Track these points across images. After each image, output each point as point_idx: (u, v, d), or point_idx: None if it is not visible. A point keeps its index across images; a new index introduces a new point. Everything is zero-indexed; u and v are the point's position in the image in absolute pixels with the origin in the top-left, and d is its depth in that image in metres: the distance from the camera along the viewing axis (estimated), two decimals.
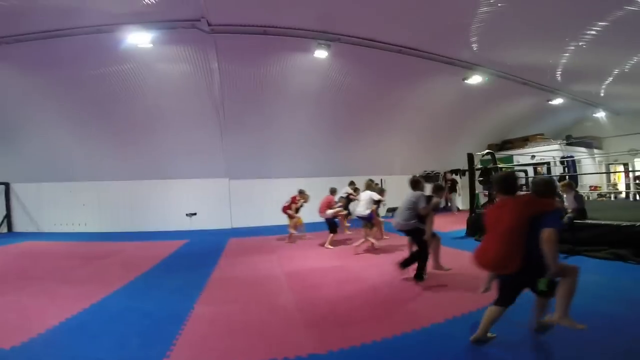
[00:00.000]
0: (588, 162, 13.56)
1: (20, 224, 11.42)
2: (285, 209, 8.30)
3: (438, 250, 4.82)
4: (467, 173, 9.62)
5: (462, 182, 14.15)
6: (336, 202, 7.83)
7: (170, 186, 11.34)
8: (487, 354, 2.51)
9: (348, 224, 9.10)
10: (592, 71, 9.75)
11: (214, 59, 8.23)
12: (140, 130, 10.18)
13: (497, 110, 13.35)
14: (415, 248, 4.63)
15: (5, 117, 9.74)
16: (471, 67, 9.64)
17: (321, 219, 7.75)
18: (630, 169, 14.11)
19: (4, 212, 11.28)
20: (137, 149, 10.60)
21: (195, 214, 11.32)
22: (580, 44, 7.57)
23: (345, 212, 8.44)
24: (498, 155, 11.58)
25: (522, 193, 3.62)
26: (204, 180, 11.42)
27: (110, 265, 6.08)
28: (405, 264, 4.53)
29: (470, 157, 8.83)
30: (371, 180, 7.48)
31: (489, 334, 2.63)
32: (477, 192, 9.23)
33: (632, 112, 13.65)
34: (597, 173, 14.13)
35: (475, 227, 7.79)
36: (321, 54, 8.23)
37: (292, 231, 8.17)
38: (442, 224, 9.66)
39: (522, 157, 13.41)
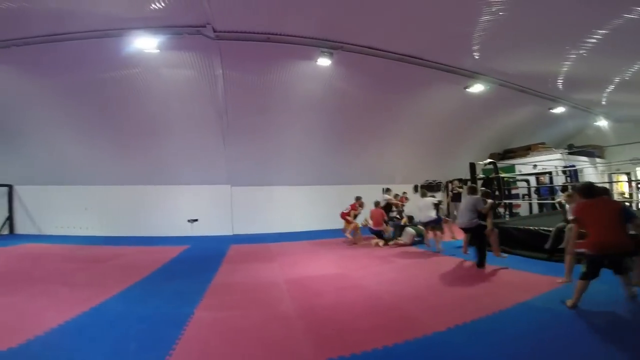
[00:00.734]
0: (590, 172, 13.51)
1: (22, 226, 11.45)
2: (344, 215, 9.15)
3: (497, 241, 6.00)
4: (469, 182, 9.61)
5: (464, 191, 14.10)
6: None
7: (172, 192, 11.37)
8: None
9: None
10: (593, 79, 9.78)
11: (219, 66, 8.30)
12: (144, 136, 10.23)
13: (498, 118, 13.36)
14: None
15: (10, 120, 9.82)
16: (473, 75, 9.68)
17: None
18: (633, 178, 14.05)
19: (6, 214, 11.32)
20: (140, 154, 10.65)
21: (196, 220, 11.33)
22: (580, 52, 7.61)
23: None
24: (500, 164, 11.58)
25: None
26: (206, 186, 11.46)
27: (110, 269, 6.08)
28: (479, 263, 5.54)
29: (472, 167, 8.84)
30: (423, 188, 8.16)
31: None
32: None
33: (634, 120, 13.61)
34: (599, 183, 14.06)
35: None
36: (324, 61, 8.29)
37: (348, 235, 8.86)
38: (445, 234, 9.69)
39: (524, 166, 13.40)
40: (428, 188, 14.06)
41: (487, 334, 2.95)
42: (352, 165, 12.55)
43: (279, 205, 12.00)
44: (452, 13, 6.45)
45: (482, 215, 5.73)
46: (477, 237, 5.74)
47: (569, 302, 3.49)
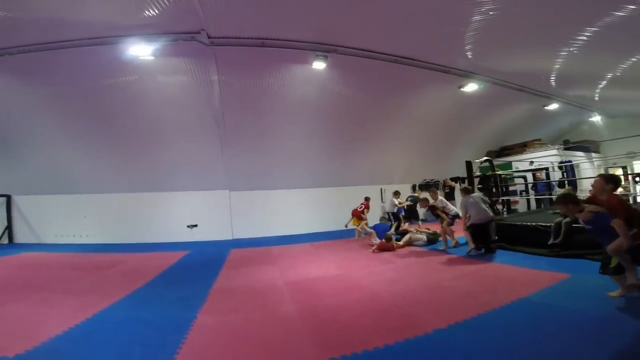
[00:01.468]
0: (586, 167, 13.62)
1: (21, 236, 11.45)
2: (358, 213, 9.68)
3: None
4: (466, 180, 9.69)
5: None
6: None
7: (171, 198, 11.40)
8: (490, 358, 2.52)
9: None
10: (585, 76, 9.89)
11: (214, 71, 8.34)
12: (141, 142, 10.24)
13: (494, 117, 13.44)
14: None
15: (7, 130, 9.84)
16: (467, 75, 9.76)
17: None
18: (629, 171, 14.16)
19: (5, 224, 11.31)
20: (138, 161, 10.67)
21: (196, 225, 11.34)
22: (571, 49, 7.70)
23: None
24: (496, 162, 11.66)
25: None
26: (204, 192, 11.49)
27: (112, 275, 6.09)
28: (490, 249, 6.27)
29: (469, 165, 8.91)
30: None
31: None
32: None
33: (627, 115, 13.77)
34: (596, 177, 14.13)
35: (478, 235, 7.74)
36: (319, 65, 8.34)
37: (367, 228, 9.27)
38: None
39: (521, 163, 13.49)
40: (426, 187, 14.16)
41: (487, 330, 3.00)
42: (350, 166, 12.60)
43: (278, 208, 12.02)
44: (443, 14, 6.52)
45: None
46: (486, 230, 6.38)
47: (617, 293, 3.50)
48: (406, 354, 2.63)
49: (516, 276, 4.76)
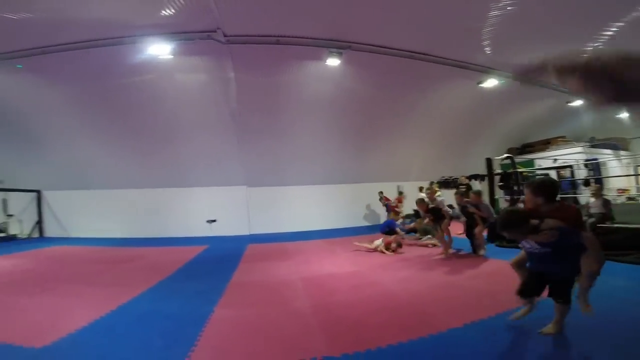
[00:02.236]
0: (614, 165, 13.05)
1: (51, 230, 12.00)
2: (393, 208, 9.78)
3: None
4: (486, 178, 9.47)
5: (482, 187, 13.88)
6: None
7: (191, 194, 11.69)
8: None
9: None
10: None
11: (230, 69, 8.49)
12: (162, 140, 10.57)
13: (514, 113, 13.09)
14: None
15: (36, 128, 10.34)
16: (485, 70, 9.57)
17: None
18: None
19: (36, 218, 11.87)
20: (159, 158, 11.01)
21: (215, 220, 11.58)
22: (596, 44, 7.39)
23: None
24: (518, 159, 11.33)
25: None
26: (223, 188, 11.72)
27: (135, 269, 6.31)
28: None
29: (489, 162, 8.68)
30: None
31: None
32: (497, 197, 9.03)
33: None
34: (624, 175, 13.56)
35: (496, 233, 7.57)
36: (333, 61, 8.36)
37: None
38: (461, 230, 9.57)
39: (544, 160, 13.06)
40: (444, 184, 13.94)
41: (504, 330, 2.95)
42: (366, 163, 12.55)
43: (294, 204, 12.13)
44: (459, 9, 6.43)
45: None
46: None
47: None
48: (419, 352, 2.62)
49: None
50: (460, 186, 10.52)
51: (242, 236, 11.10)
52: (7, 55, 7.68)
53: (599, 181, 10.63)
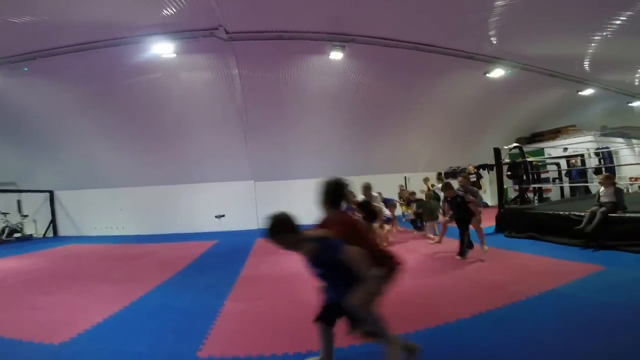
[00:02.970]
0: (627, 153, 12.77)
1: (64, 229, 12.27)
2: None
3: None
4: (494, 167, 9.35)
5: (490, 177, 13.75)
6: None
7: (199, 190, 11.81)
8: (509, 351, 2.49)
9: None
10: (624, 60, 9.30)
11: (234, 66, 8.51)
12: (169, 137, 10.68)
13: (523, 103, 12.88)
14: None
15: (47, 129, 10.52)
16: (492, 60, 9.44)
17: None
18: None
19: (50, 218, 12.13)
20: (167, 155, 11.13)
21: (223, 215, 11.68)
22: (605, 34, 7.22)
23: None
24: (527, 148, 11.18)
25: None
26: (230, 183, 11.80)
27: (146, 265, 6.45)
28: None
29: (497, 152, 8.56)
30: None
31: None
32: (505, 186, 8.94)
33: None
34: (637, 164, 13.27)
35: (505, 223, 7.53)
36: (336, 55, 8.33)
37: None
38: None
39: (554, 149, 12.84)
40: (452, 175, 13.85)
41: (512, 321, 2.95)
42: (372, 155, 12.52)
43: (301, 198, 12.09)
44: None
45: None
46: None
47: None
48: (426, 342, 2.61)
49: (545, 267, 4.62)
50: (470, 175, 10.39)
51: (251, 230, 11.19)
52: (13, 59, 7.81)
53: (611, 170, 10.43)
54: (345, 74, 9.52)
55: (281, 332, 3.02)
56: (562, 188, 12.09)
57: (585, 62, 9.49)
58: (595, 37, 7.61)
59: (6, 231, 11.21)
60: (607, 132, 13.17)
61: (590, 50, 8.46)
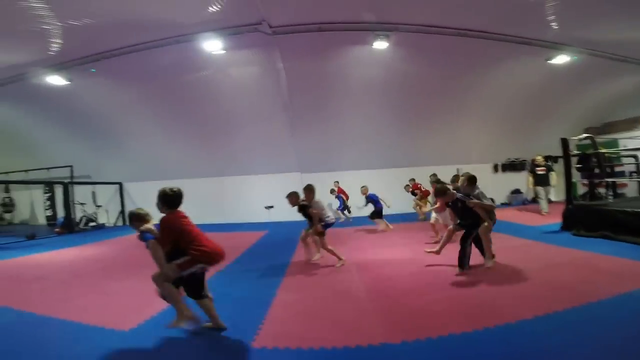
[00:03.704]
0: None
1: None
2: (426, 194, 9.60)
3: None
4: (559, 160, 8.56)
5: (557, 169, 12.65)
6: None
7: (249, 181, 12.34)
8: (574, 353, 2.29)
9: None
10: None
11: (279, 59, 8.70)
12: (221, 131, 11.27)
13: (591, 90, 11.67)
14: None
15: (113, 126, 11.62)
16: (554, 46, 8.67)
17: None
18: None
19: (120, 208, 13.38)
20: (220, 148, 11.78)
21: (272, 206, 12.02)
22: None
23: None
24: (599, 139, 10.04)
25: None
26: (278, 174, 12.10)
27: None
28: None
29: (565, 143, 7.76)
30: None
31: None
32: (574, 180, 8.12)
33: None
34: None
35: (573, 221, 6.86)
36: (381, 44, 8.16)
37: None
38: (531, 218, 8.91)
39: (631, 140, 11.41)
40: (510, 167, 12.96)
41: (580, 323, 2.70)
42: (421, 146, 12.12)
43: (348, 189, 12.13)
44: None
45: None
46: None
47: None
48: (485, 342, 2.51)
49: (619, 269, 4.15)
50: (537, 168, 9.55)
51: (299, 222, 11.38)
52: (79, 61, 8.64)
53: None
54: (391, 63, 9.30)
55: (330, 324, 3.04)
56: None
57: None
58: None
59: (84, 220, 12.54)
60: None
61: None
